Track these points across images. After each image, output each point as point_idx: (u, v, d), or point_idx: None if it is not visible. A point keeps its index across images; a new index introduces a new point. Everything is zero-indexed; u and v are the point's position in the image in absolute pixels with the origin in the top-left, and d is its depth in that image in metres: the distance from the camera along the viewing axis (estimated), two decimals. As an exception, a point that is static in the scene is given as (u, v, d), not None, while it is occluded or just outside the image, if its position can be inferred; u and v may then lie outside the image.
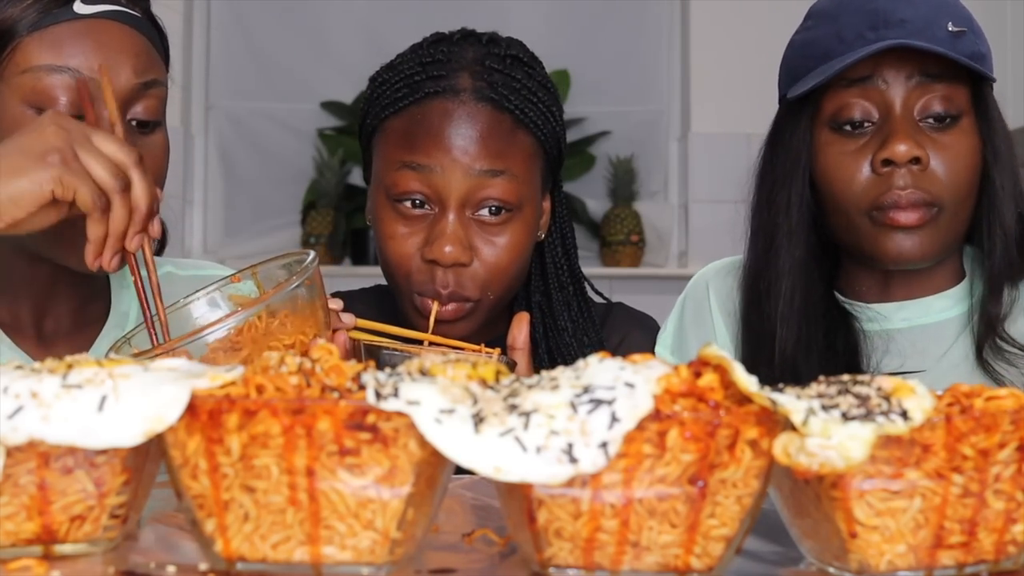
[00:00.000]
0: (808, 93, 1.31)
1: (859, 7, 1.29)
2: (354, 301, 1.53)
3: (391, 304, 1.50)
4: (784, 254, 1.34)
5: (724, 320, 1.44)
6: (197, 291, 1.13)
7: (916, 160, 1.26)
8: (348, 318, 1.15)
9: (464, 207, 1.36)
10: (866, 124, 1.29)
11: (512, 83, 1.39)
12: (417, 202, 1.36)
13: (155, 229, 1.03)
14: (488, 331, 1.45)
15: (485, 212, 1.36)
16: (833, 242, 1.36)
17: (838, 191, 1.30)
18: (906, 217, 1.26)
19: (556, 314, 1.48)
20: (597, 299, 1.56)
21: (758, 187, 1.39)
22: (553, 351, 1.47)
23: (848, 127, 1.30)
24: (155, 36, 1.22)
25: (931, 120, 1.28)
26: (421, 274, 1.37)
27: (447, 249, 1.34)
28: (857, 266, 1.37)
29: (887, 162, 1.26)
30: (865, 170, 1.28)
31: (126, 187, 0.99)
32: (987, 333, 1.29)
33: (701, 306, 1.47)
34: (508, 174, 1.36)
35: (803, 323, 1.32)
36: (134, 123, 1.16)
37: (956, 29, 1.27)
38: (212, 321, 1.01)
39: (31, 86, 1.11)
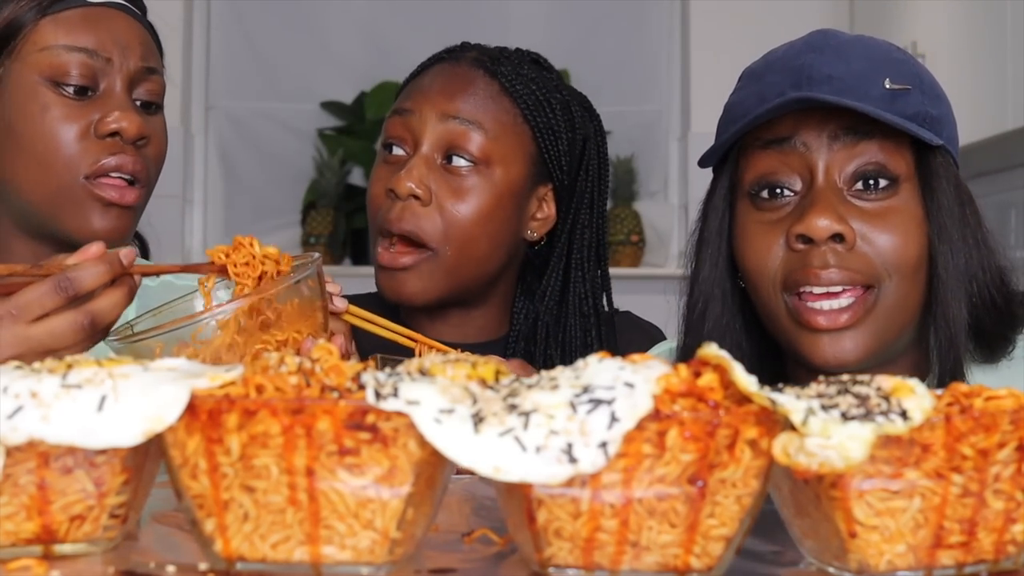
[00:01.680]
0: (728, 160, 1.17)
1: (785, 64, 1.13)
2: (355, 304, 1.54)
3: (393, 308, 1.51)
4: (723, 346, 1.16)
5: None
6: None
7: (838, 237, 1.08)
8: (340, 302, 1.18)
9: (434, 151, 1.40)
10: (786, 192, 1.12)
11: (510, 62, 1.45)
12: (396, 146, 1.42)
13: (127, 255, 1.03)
14: (484, 332, 1.45)
15: (451, 160, 1.40)
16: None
17: (752, 269, 1.13)
18: (829, 320, 1.08)
19: (569, 323, 1.49)
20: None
21: (690, 265, 1.22)
22: (564, 357, 1.46)
23: (765, 195, 1.13)
24: (157, 39, 1.33)
25: (861, 187, 1.11)
26: (383, 210, 1.40)
27: (407, 183, 1.37)
28: (802, 370, 1.14)
29: (803, 238, 1.09)
30: (780, 245, 1.11)
31: (72, 297, 0.98)
32: None
33: None
34: (480, 128, 1.40)
35: None
36: (138, 103, 1.26)
37: (896, 86, 1.10)
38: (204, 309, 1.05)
39: (48, 62, 1.22)
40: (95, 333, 1.00)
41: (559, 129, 1.46)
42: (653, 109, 3.78)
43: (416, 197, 1.37)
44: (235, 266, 1.07)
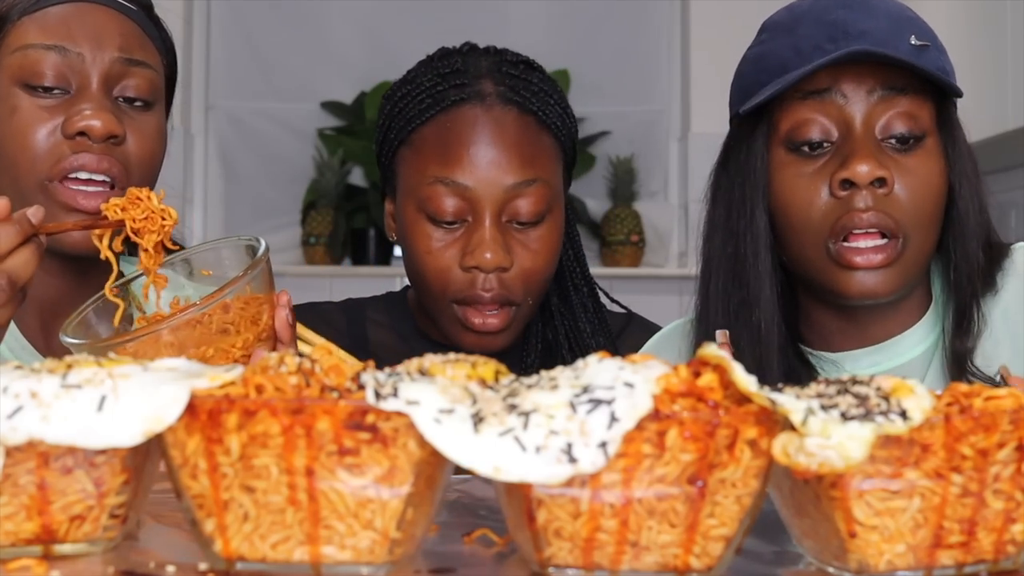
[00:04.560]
0: (762, 109, 1.22)
1: (817, 18, 1.20)
2: (367, 308, 1.54)
3: (403, 311, 1.51)
4: (755, 287, 1.23)
5: None
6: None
7: (879, 182, 1.16)
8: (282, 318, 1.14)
9: (499, 215, 1.37)
10: (824, 143, 1.20)
11: (531, 86, 1.41)
12: (456, 222, 1.37)
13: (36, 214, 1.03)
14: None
15: (519, 222, 1.37)
16: (789, 275, 1.27)
17: (795, 217, 1.20)
18: (865, 259, 1.17)
19: (576, 316, 1.50)
20: (616, 308, 1.57)
21: (710, 213, 1.29)
22: (577, 353, 1.47)
23: (805, 147, 1.20)
24: (151, 28, 1.26)
25: (894, 140, 1.19)
26: (461, 282, 1.37)
27: (487, 255, 1.34)
28: (817, 303, 1.27)
29: (847, 183, 1.17)
30: (824, 193, 1.19)
31: None
32: (959, 372, 1.21)
33: None
34: (539, 181, 1.37)
35: (776, 364, 1.22)
36: (121, 100, 1.21)
37: (919, 43, 1.19)
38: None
39: (19, 63, 1.18)
40: (14, 293, 0.99)
41: (575, 133, 1.46)
42: (653, 109, 3.78)
43: (503, 269, 1.36)
44: (134, 221, 1.08)
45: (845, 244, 1.18)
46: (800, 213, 1.20)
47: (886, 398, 0.65)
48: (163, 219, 1.09)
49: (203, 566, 0.68)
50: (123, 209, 1.08)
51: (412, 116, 1.40)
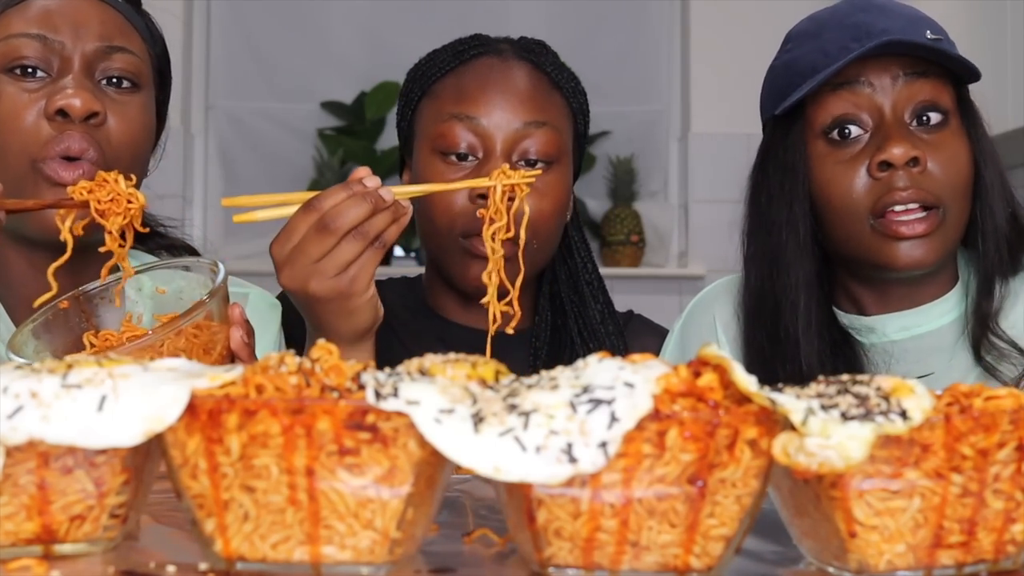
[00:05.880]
0: (796, 108, 1.32)
1: (840, 23, 1.31)
2: (381, 289, 1.55)
3: (418, 293, 1.53)
4: (795, 271, 1.33)
5: (729, 345, 1.43)
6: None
7: (914, 161, 1.27)
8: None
9: (509, 155, 1.41)
10: (858, 131, 1.30)
11: (545, 53, 1.49)
12: (463, 153, 1.41)
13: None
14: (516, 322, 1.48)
15: (529, 162, 1.42)
16: (829, 257, 1.37)
17: (837, 201, 1.31)
18: (910, 229, 1.27)
19: (587, 304, 1.53)
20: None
21: (751, 209, 1.39)
22: (586, 337, 1.51)
23: (838, 135, 1.31)
24: (136, 19, 1.29)
25: (920, 122, 1.30)
26: (469, 215, 1.39)
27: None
28: (853, 279, 1.38)
29: (885, 165, 1.27)
30: (863, 176, 1.29)
31: None
32: (981, 331, 1.30)
33: (706, 331, 1.46)
34: (549, 126, 1.43)
35: (819, 339, 1.32)
36: (104, 83, 1.24)
37: (934, 37, 1.30)
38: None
39: (2, 52, 1.22)
40: None
41: (587, 109, 1.53)
42: (653, 109, 3.78)
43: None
44: (99, 203, 1.09)
45: (886, 219, 1.27)
46: (843, 196, 1.30)
47: (886, 398, 0.65)
48: (129, 202, 1.10)
49: (203, 566, 0.68)
50: (89, 191, 1.09)
51: (432, 72, 1.47)
